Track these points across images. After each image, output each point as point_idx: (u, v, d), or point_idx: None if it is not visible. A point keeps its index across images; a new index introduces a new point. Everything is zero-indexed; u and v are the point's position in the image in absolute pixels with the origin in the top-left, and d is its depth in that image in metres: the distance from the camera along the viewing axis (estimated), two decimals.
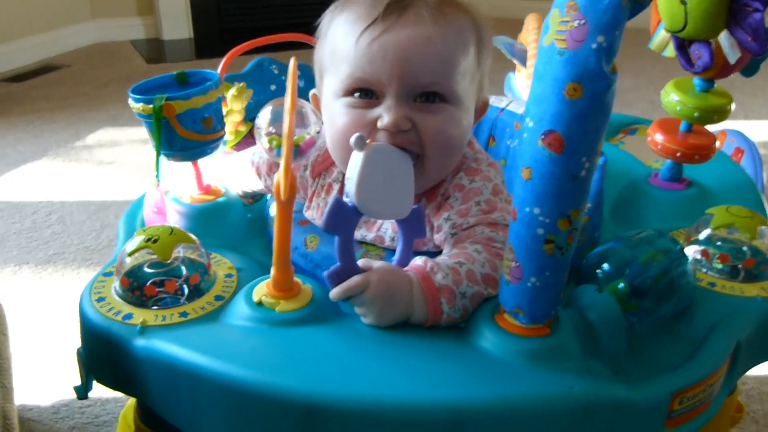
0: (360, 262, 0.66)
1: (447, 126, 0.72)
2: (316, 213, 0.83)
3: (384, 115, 0.70)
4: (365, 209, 0.63)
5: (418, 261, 0.69)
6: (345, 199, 0.64)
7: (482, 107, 0.81)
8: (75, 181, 1.87)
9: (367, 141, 0.65)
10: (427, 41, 0.70)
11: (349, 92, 0.73)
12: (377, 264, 0.67)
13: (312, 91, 0.83)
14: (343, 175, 0.81)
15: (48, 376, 1.13)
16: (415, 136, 0.71)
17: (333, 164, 0.83)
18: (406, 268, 0.68)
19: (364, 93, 0.72)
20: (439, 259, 0.69)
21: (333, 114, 0.74)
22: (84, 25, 3.33)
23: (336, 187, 0.82)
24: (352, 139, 0.63)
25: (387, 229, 0.78)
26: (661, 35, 0.80)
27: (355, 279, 0.64)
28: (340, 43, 0.73)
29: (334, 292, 0.65)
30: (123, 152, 2.05)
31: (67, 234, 1.59)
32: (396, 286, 0.65)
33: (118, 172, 1.92)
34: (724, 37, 0.66)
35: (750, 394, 1.09)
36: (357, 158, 0.64)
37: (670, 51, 0.80)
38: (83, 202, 1.74)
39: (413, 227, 0.70)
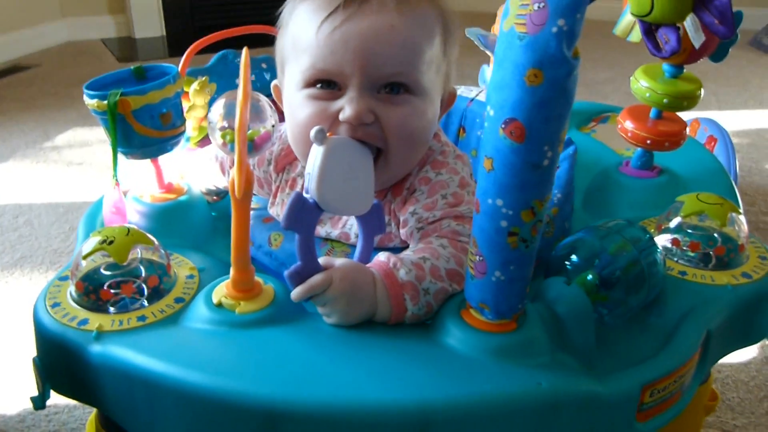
0: (321, 260, 0.64)
1: (411, 119, 0.71)
2: (280, 209, 0.81)
3: (346, 107, 0.68)
4: (326, 205, 0.61)
5: (381, 257, 0.67)
6: (305, 195, 0.61)
7: (449, 99, 0.79)
8: (43, 183, 1.83)
9: (327, 134, 0.63)
10: (390, 30, 0.68)
11: (311, 83, 0.70)
12: (339, 261, 0.65)
13: (274, 83, 0.81)
14: None
15: (13, 383, 1.10)
16: (377, 129, 0.69)
17: (297, 158, 0.81)
18: (368, 265, 0.66)
19: (326, 84, 0.70)
20: (403, 254, 0.67)
21: (294, 106, 0.72)
22: (54, 24, 3.27)
23: (300, 181, 0.80)
24: (312, 132, 0.61)
25: (352, 226, 0.76)
26: (626, 20, 0.79)
27: (317, 277, 0.62)
28: (301, 33, 0.70)
29: (296, 292, 0.63)
30: (93, 152, 2.01)
31: (35, 237, 1.56)
32: (359, 283, 0.63)
33: (88, 172, 1.89)
34: (689, 21, 0.65)
35: (725, 381, 1.09)
36: (317, 152, 0.62)
37: (635, 36, 0.80)
38: (51, 204, 1.71)
39: (373, 223, 0.68)
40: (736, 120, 2.27)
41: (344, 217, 0.76)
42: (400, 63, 0.69)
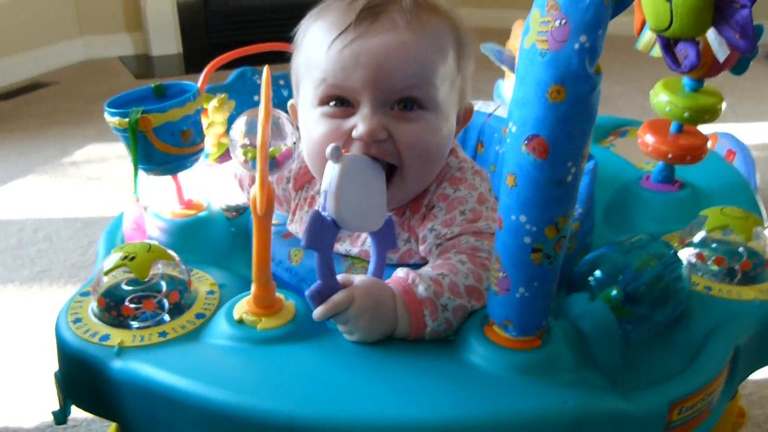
0: (339, 277, 0.63)
1: (425, 134, 0.70)
2: (299, 226, 0.81)
3: (359, 124, 0.68)
4: (343, 222, 0.61)
5: (399, 273, 0.66)
6: (323, 213, 0.61)
7: (466, 114, 0.79)
8: (62, 198, 1.85)
9: (342, 151, 0.63)
10: (401, 46, 0.68)
11: (324, 101, 0.71)
12: (358, 278, 0.64)
13: (290, 102, 0.81)
14: None
15: (32, 397, 1.10)
16: (391, 146, 0.69)
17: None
18: (387, 281, 0.66)
19: (339, 101, 0.70)
20: (422, 270, 0.67)
21: (308, 124, 0.72)
22: (72, 42, 3.31)
23: (319, 199, 0.80)
24: (328, 150, 0.61)
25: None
26: (648, 35, 0.79)
27: (338, 296, 0.62)
28: (314, 52, 0.71)
29: (318, 312, 0.62)
30: (111, 168, 2.03)
31: (54, 251, 1.57)
32: (380, 300, 0.63)
33: (106, 188, 1.90)
34: (712, 35, 0.64)
35: (751, 398, 1.07)
36: (333, 170, 0.61)
37: (658, 51, 0.79)
38: (70, 218, 1.72)
39: (386, 238, 0.68)
40: (754, 133, 2.25)
41: (363, 235, 0.76)
42: (412, 78, 0.69)
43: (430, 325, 0.63)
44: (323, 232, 0.60)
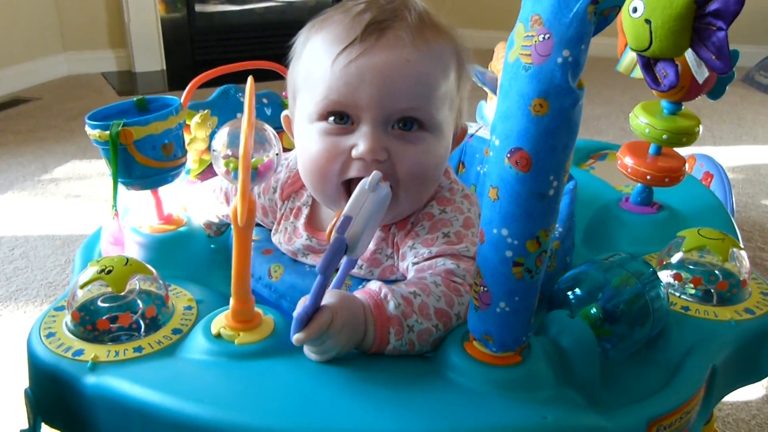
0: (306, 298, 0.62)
1: (424, 157, 0.70)
2: (283, 237, 0.80)
3: (359, 143, 0.67)
4: (354, 250, 0.59)
5: (372, 285, 0.66)
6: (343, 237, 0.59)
7: (461, 134, 0.79)
8: (40, 216, 1.82)
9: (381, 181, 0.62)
10: (406, 64, 0.67)
11: (323, 116, 0.70)
12: (328, 296, 0.62)
13: (284, 113, 0.80)
14: (313, 199, 0.79)
15: (6, 418, 1.08)
16: (390, 167, 0.68)
17: (303, 187, 0.80)
18: (358, 292, 0.65)
19: (339, 117, 0.69)
20: (395, 286, 0.66)
21: (306, 140, 0.72)
22: (55, 58, 3.30)
23: (305, 210, 0.79)
24: (372, 180, 0.60)
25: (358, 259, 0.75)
26: (629, 57, 0.80)
27: (320, 316, 0.60)
28: (316, 65, 0.70)
29: (302, 335, 0.59)
30: (91, 185, 2.01)
31: (30, 269, 1.54)
32: (354, 312, 0.62)
33: (86, 205, 1.88)
34: (691, 56, 0.66)
35: (726, 420, 1.08)
36: (367, 198, 0.60)
37: (638, 72, 0.80)
38: (48, 236, 1.70)
39: (353, 263, 0.68)
40: (731, 156, 2.28)
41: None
42: (416, 98, 0.68)
43: (393, 343, 0.62)
44: (338, 257, 0.59)
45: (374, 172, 0.61)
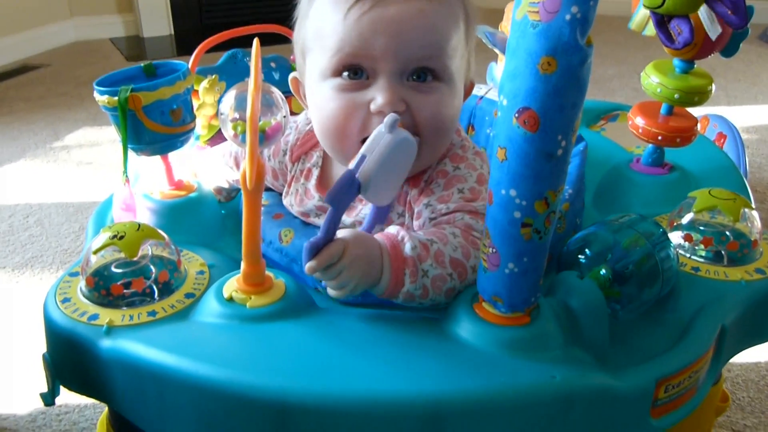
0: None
1: (441, 107, 0.70)
2: (294, 199, 0.81)
3: (377, 96, 0.67)
4: (367, 191, 0.60)
5: (390, 229, 0.65)
6: (356, 175, 0.60)
7: (468, 88, 0.78)
8: (53, 183, 1.84)
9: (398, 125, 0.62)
10: (419, 14, 0.66)
11: (338, 71, 0.69)
12: (342, 231, 0.63)
13: (292, 75, 0.79)
14: (324, 159, 0.79)
15: (24, 383, 1.10)
16: (408, 118, 0.68)
17: (313, 148, 0.80)
18: (376, 235, 0.65)
19: (353, 72, 0.68)
20: (412, 232, 0.66)
21: (321, 98, 0.71)
22: (63, 24, 3.29)
23: (315, 171, 0.79)
24: (388, 120, 0.60)
25: (366, 215, 0.75)
26: (641, 14, 0.79)
27: (332, 245, 0.60)
28: (327, 20, 0.69)
29: (313, 263, 0.59)
30: (102, 152, 2.02)
31: (45, 236, 1.56)
32: (369, 248, 0.62)
33: (98, 172, 1.89)
34: (704, 12, 0.64)
35: (735, 381, 1.08)
36: (383, 139, 0.60)
37: (651, 30, 0.79)
38: (62, 203, 1.71)
39: (382, 214, 0.67)
40: (746, 115, 2.25)
41: (359, 206, 0.76)
42: (430, 47, 0.68)
43: (408, 285, 0.62)
44: (349, 192, 0.59)
45: (390, 114, 0.61)
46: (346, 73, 0.69)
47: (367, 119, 0.68)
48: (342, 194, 0.59)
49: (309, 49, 0.73)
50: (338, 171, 0.78)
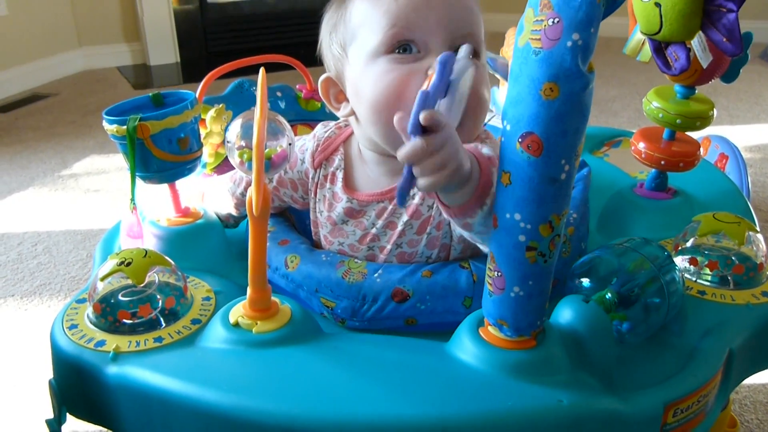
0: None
1: (481, 82, 0.72)
2: (323, 205, 0.82)
3: (435, 62, 0.68)
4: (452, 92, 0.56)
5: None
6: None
7: None
8: (61, 211, 1.85)
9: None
10: None
11: (391, 47, 0.71)
12: None
13: (323, 76, 0.80)
14: (346, 161, 0.81)
15: (31, 410, 1.10)
16: None
17: (334, 152, 0.82)
18: None
19: (403, 49, 0.71)
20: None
21: (375, 74, 0.72)
22: (71, 53, 3.34)
23: (340, 174, 0.80)
24: (463, 51, 0.60)
25: (402, 215, 0.76)
26: (635, 40, 0.80)
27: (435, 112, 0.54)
28: (376, 4, 0.72)
29: (427, 113, 0.52)
30: (110, 179, 2.03)
31: (54, 264, 1.57)
32: (458, 142, 0.56)
33: (105, 199, 1.91)
34: (696, 41, 0.65)
35: (743, 403, 1.07)
36: (468, 70, 0.58)
37: (644, 55, 0.80)
38: (70, 231, 1.72)
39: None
40: (748, 135, 2.25)
41: (389, 208, 0.76)
42: (472, 25, 0.72)
43: (494, 184, 0.58)
44: (450, 72, 0.56)
45: (465, 44, 0.61)
46: (397, 50, 0.71)
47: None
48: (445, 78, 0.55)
49: (353, 38, 0.75)
50: (362, 171, 0.80)
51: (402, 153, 0.53)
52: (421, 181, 0.54)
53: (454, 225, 0.63)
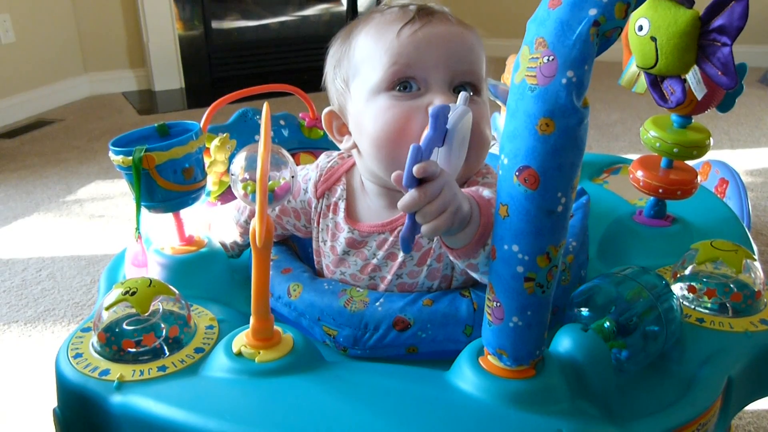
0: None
1: (481, 119, 0.74)
2: (326, 234, 0.83)
3: (434, 99, 0.71)
4: (449, 136, 0.58)
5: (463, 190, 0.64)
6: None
7: None
8: (66, 236, 1.87)
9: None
10: (462, 34, 0.74)
11: (392, 84, 0.73)
12: None
13: (327, 110, 0.82)
14: (348, 192, 0.82)
15: None
16: None
17: (336, 182, 0.83)
18: None
19: (404, 86, 0.73)
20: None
21: (376, 110, 0.73)
22: (77, 79, 3.38)
23: (342, 205, 0.82)
24: (463, 95, 0.62)
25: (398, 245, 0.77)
26: (630, 72, 0.81)
27: (431, 161, 0.56)
28: (378, 41, 0.74)
29: (422, 165, 0.54)
30: (114, 205, 2.05)
31: (57, 290, 1.58)
32: (455, 187, 0.58)
33: (109, 225, 1.92)
34: (691, 74, 0.67)
35: (747, 429, 1.07)
36: (466, 117, 0.60)
37: (640, 87, 0.81)
38: (74, 256, 1.73)
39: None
40: (749, 159, 2.26)
41: (389, 239, 0.77)
42: (472, 63, 0.74)
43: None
44: (443, 123, 0.58)
45: (463, 92, 0.63)
46: (398, 88, 0.73)
47: (424, 123, 0.70)
48: (441, 121, 0.57)
49: (355, 74, 0.77)
50: (364, 202, 0.81)
51: (401, 204, 0.56)
52: (424, 228, 0.57)
53: (460, 266, 0.64)
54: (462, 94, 0.62)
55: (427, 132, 0.57)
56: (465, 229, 0.59)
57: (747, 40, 0.67)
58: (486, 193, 0.64)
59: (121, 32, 3.46)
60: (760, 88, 3.11)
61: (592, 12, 0.49)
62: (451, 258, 0.63)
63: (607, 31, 0.51)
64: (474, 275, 0.65)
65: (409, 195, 0.55)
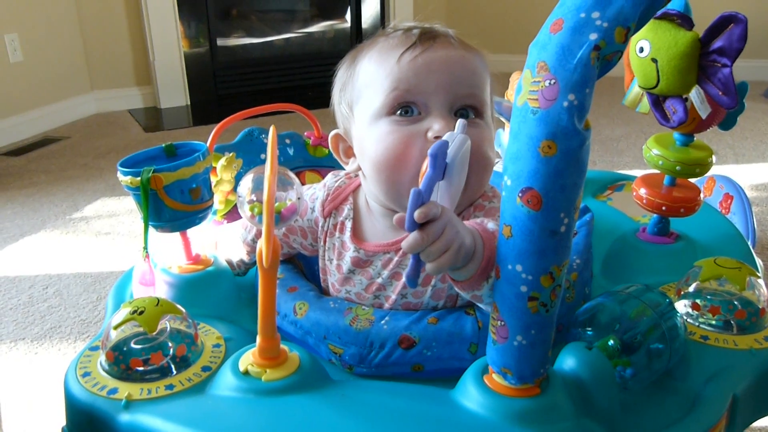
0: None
1: (484, 141, 0.74)
2: (333, 253, 0.83)
3: (434, 124, 0.72)
4: (451, 170, 0.59)
5: (467, 222, 0.64)
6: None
7: None
8: (72, 254, 1.88)
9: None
10: (463, 58, 0.75)
11: (392, 109, 0.74)
12: None
13: (334, 132, 0.84)
14: (355, 211, 0.83)
15: None
16: None
17: (343, 202, 0.84)
18: None
19: (405, 111, 0.74)
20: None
21: (377, 134, 0.75)
22: (83, 97, 3.41)
23: (348, 224, 0.82)
24: (459, 124, 0.63)
25: (407, 266, 0.76)
26: (634, 92, 0.82)
27: (430, 203, 0.56)
28: (380, 67, 0.75)
29: (423, 210, 0.55)
30: (120, 222, 2.06)
31: (64, 307, 1.59)
32: (459, 221, 0.59)
33: (116, 242, 1.93)
34: (695, 93, 0.68)
35: None
36: (465, 145, 0.61)
37: (644, 107, 0.82)
38: (80, 274, 1.74)
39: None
40: (754, 173, 2.27)
41: (394, 259, 0.78)
42: (473, 87, 0.75)
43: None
44: (442, 161, 0.58)
45: (461, 119, 0.63)
46: (399, 112, 0.74)
47: (424, 147, 0.71)
48: (441, 159, 0.58)
49: (359, 98, 0.78)
50: (370, 222, 0.82)
51: (405, 246, 0.57)
52: (429, 266, 0.58)
53: (466, 296, 0.65)
54: (459, 122, 0.63)
55: (426, 172, 0.58)
56: (468, 264, 0.60)
57: (750, 54, 0.67)
58: (490, 225, 0.64)
59: (128, 50, 3.49)
60: (765, 102, 3.12)
61: (593, 36, 0.50)
62: (456, 289, 0.64)
63: (607, 55, 0.51)
64: (480, 305, 0.66)
65: (412, 237, 0.56)
